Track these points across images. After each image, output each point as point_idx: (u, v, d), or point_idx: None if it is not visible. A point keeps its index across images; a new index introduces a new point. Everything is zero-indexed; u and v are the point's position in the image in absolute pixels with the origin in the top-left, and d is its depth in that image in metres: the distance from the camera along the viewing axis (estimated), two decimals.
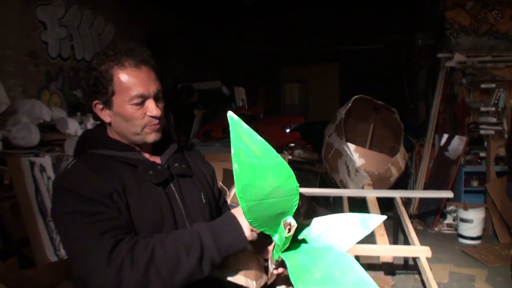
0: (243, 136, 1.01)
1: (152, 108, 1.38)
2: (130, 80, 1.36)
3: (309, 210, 3.62)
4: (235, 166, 1.01)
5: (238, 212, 1.25)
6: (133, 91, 1.36)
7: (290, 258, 1.13)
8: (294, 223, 1.04)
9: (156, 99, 1.41)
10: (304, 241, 1.19)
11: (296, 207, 1.08)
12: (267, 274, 1.35)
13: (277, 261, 1.23)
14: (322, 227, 1.20)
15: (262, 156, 1.01)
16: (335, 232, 1.18)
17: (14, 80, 5.07)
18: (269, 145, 1.03)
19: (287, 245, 1.12)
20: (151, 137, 1.42)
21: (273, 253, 1.24)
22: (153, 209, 1.37)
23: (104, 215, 1.25)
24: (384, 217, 1.23)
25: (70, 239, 1.26)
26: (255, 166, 1.01)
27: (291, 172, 1.04)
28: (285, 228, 1.06)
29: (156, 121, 1.41)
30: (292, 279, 1.07)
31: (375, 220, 1.20)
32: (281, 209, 1.06)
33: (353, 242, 1.17)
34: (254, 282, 1.27)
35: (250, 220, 1.10)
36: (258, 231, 1.23)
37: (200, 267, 1.23)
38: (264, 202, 1.04)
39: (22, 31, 5.22)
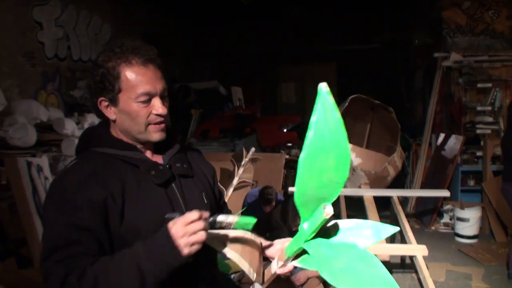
0: (326, 108, 1.03)
1: (158, 107, 1.39)
2: (137, 78, 1.37)
3: None
4: (310, 134, 1.02)
5: (173, 229, 1.21)
6: (140, 89, 1.36)
7: (312, 247, 1.13)
8: (331, 211, 1.05)
9: (162, 97, 1.41)
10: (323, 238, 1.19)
11: (336, 197, 1.08)
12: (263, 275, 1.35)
13: (292, 254, 1.21)
14: (336, 230, 1.20)
15: (334, 132, 1.03)
16: (348, 236, 1.18)
17: (11, 80, 5.06)
18: (343, 126, 1.04)
19: (314, 234, 1.12)
20: (156, 136, 1.43)
21: (289, 247, 1.23)
22: (153, 210, 1.37)
23: (77, 243, 1.26)
24: (397, 228, 1.24)
25: (43, 247, 1.31)
26: (325, 140, 1.02)
27: (349, 160, 1.05)
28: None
29: (161, 119, 1.41)
30: (315, 265, 1.08)
31: (387, 230, 1.20)
32: (325, 194, 1.06)
33: (364, 247, 1.17)
34: (255, 274, 1.27)
35: (297, 193, 1.09)
36: (200, 242, 1.21)
37: None
38: (317, 179, 1.05)
39: (18, 32, 5.21)
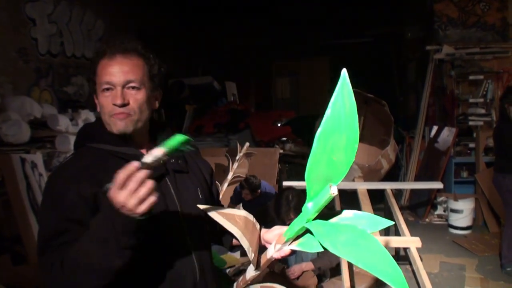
0: (345, 91, 1.08)
1: (115, 97, 1.37)
2: (102, 69, 1.38)
3: (299, 203, 3.67)
4: (327, 112, 1.07)
5: (112, 196, 1.11)
6: (102, 79, 1.38)
7: (314, 226, 1.16)
8: (336, 191, 1.08)
9: (128, 88, 1.39)
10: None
11: (342, 179, 1.12)
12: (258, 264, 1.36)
13: (293, 235, 1.22)
14: (335, 218, 1.23)
15: (348, 114, 1.08)
16: (345, 223, 1.21)
17: (4, 77, 5.04)
18: (356, 110, 1.08)
19: (317, 214, 1.15)
20: (116, 127, 1.40)
21: (290, 228, 1.24)
22: None
23: (67, 232, 1.28)
24: (392, 222, 1.27)
25: (38, 241, 1.33)
26: (340, 119, 1.08)
27: (357, 143, 1.09)
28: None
29: (120, 110, 1.38)
30: (318, 238, 1.11)
31: (382, 222, 1.23)
32: (332, 174, 1.10)
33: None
34: (253, 254, 1.29)
35: (309, 169, 1.12)
36: (149, 193, 1.10)
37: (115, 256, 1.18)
38: (327, 157, 1.09)
39: (11, 28, 5.19)
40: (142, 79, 1.41)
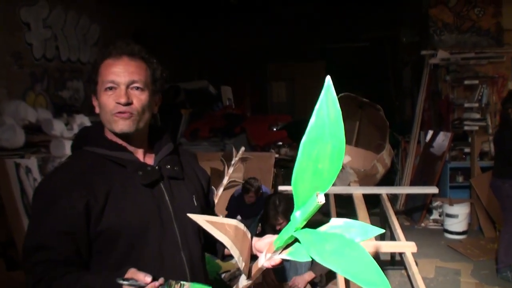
0: (329, 99, 1.07)
1: (118, 95, 1.38)
2: (107, 68, 1.40)
3: (287, 207, 3.70)
4: (312, 120, 1.07)
5: None
6: (106, 77, 1.39)
7: (302, 234, 1.16)
8: (323, 199, 1.07)
9: (132, 89, 1.41)
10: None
11: (329, 188, 1.11)
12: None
13: (282, 244, 1.22)
14: (325, 227, 1.23)
15: (333, 122, 1.07)
16: (335, 231, 1.21)
17: None
18: (342, 118, 1.08)
19: (305, 222, 1.15)
20: (118, 126, 1.40)
21: (279, 237, 1.24)
22: (137, 211, 1.38)
23: (55, 248, 1.28)
24: (383, 230, 1.27)
25: (24, 244, 1.33)
26: (325, 128, 1.07)
27: (343, 152, 1.09)
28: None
29: (123, 108, 1.38)
30: (305, 247, 1.11)
31: (374, 230, 1.24)
32: (318, 182, 1.10)
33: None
34: (243, 263, 1.29)
35: (295, 177, 1.12)
36: None
37: None
38: (313, 166, 1.08)
39: (6, 32, 5.17)
40: (146, 81, 1.44)
